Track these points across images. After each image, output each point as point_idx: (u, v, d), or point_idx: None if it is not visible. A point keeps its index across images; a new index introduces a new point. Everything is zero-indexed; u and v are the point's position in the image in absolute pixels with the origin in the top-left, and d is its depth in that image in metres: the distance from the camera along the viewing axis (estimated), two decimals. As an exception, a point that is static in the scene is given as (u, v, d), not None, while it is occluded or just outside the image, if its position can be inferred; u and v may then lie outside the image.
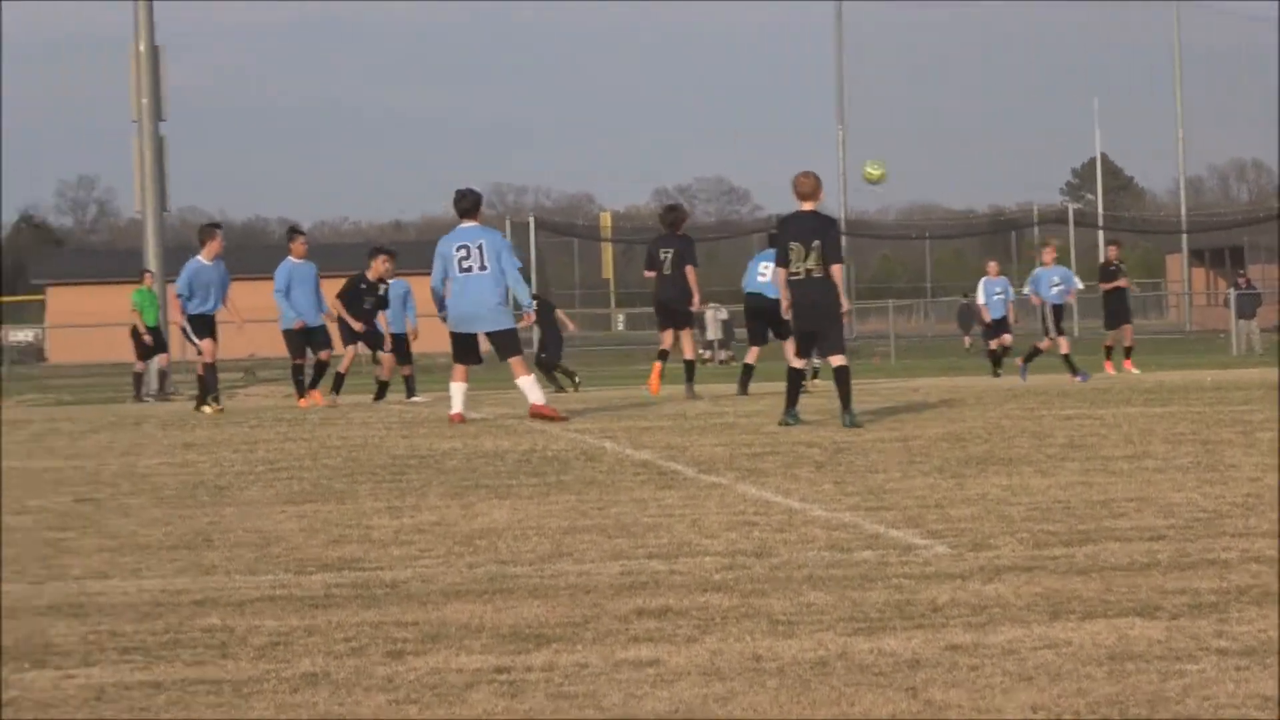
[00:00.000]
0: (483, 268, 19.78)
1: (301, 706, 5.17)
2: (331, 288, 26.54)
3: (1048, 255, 32.73)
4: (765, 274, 23.20)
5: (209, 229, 25.24)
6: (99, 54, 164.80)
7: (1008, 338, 34.06)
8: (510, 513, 10.70)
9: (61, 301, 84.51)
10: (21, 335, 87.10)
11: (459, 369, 20.31)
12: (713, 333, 54.88)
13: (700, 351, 36.60)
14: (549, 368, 31.40)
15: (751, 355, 25.78)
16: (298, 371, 25.85)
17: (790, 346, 19.57)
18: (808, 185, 17.64)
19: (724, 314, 55.85)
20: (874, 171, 20.94)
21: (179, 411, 25.59)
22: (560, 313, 34.94)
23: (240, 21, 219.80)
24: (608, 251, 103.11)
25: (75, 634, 6.60)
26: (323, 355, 25.76)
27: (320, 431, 18.89)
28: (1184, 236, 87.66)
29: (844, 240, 30.03)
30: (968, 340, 60.30)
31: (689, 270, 24.00)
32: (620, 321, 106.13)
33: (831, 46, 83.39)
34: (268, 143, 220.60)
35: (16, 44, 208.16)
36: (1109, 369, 32.50)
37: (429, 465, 14.41)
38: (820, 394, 22.49)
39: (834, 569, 7.83)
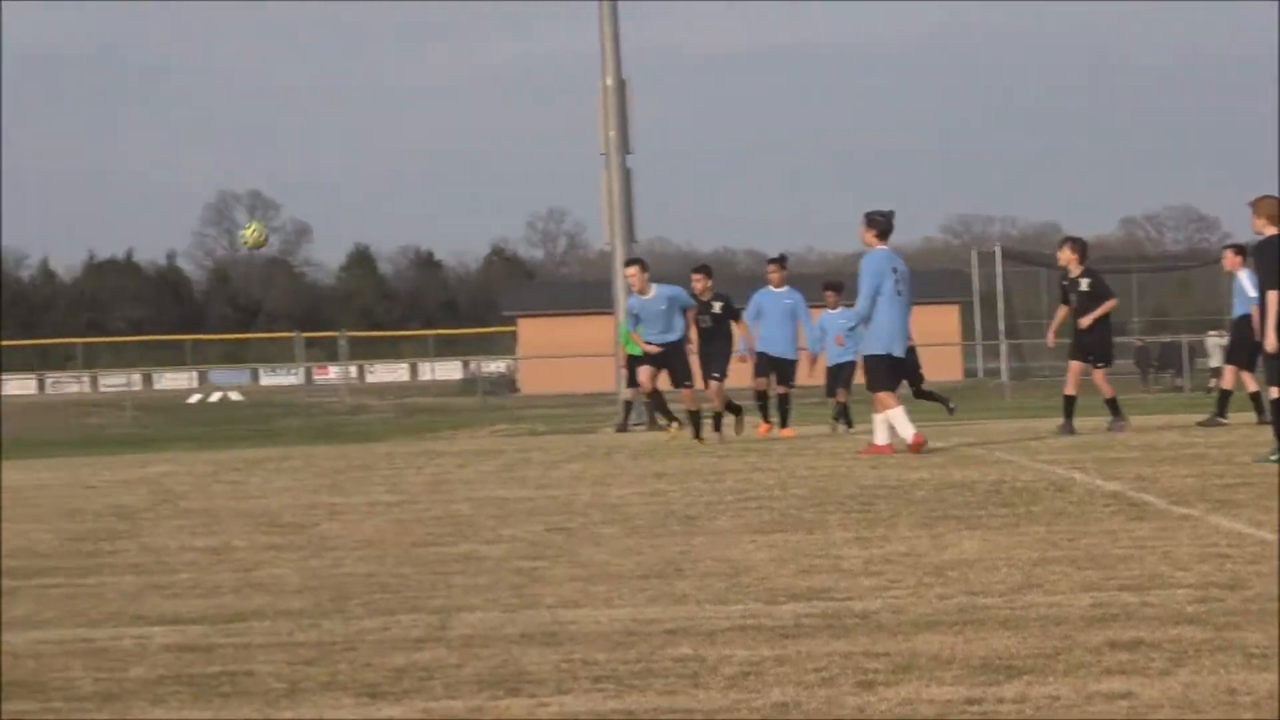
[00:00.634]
0: (908, 293, 20.06)
1: (773, 737, 5.23)
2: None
3: None
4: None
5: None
6: (568, 87, 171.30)
7: None
8: (980, 544, 10.74)
9: (532, 332, 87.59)
10: (494, 366, 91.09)
11: (890, 395, 20.16)
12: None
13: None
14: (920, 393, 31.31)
15: (1228, 380, 24.77)
16: (761, 398, 26.08)
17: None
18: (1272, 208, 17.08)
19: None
20: (252, 235, 20.44)
21: (649, 441, 26.20)
22: None
23: (703, 54, 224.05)
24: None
25: (548, 662, 6.82)
26: (780, 389, 26.03)
27: (788, 461, 19.10)
28: None
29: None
30: None
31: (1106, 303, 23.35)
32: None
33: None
34: (734, 174, 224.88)
35: (489, 76, 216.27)
36: None
37: (898, 495, 14.49)
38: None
39: (1309, 602, 7.73)
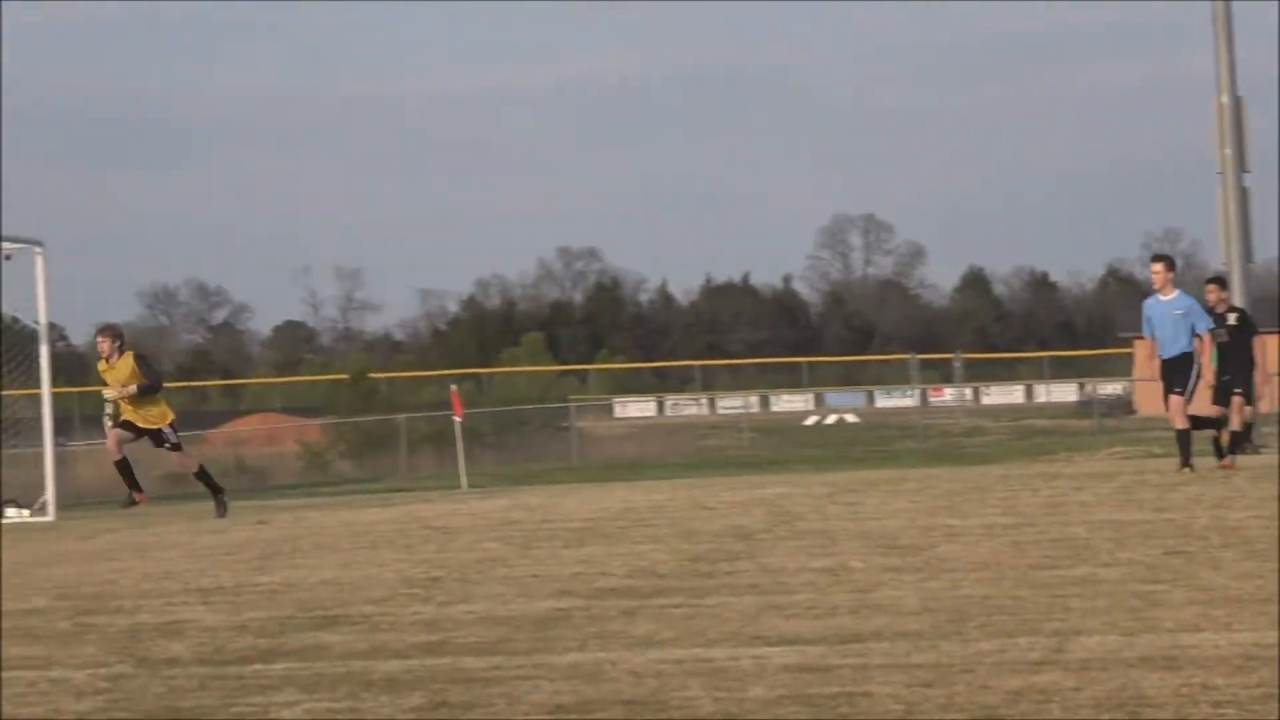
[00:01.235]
0: None
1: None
2: None
3: None
4: None
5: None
6: (1185, 105, 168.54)
7: None
8: None
9: (1148, 353, 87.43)
10: (1110, 388, 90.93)
11: None
12: None
13: None
14: None
15: None
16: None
17: None
18: None
19: None
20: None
21: (1267, 464, 25.70)
22: None
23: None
24: None
25: (1168, 686, 6.85)
26: None
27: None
28: None
29: None
30: None
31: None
32: None
33: None
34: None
35: (1105, 97, 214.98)
36: None
37: None
38: None
39: None
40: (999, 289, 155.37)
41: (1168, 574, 11.13)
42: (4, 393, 29.86)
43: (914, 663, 8.18)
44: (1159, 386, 24.43)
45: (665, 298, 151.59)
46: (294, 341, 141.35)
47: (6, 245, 28.40)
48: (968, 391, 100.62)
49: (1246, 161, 38.35)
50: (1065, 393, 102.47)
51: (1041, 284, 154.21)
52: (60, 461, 32.15)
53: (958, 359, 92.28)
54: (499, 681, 8.05)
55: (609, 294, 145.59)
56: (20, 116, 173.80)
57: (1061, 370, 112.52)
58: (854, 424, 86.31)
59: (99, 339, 25.09)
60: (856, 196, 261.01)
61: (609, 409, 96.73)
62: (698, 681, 7.90)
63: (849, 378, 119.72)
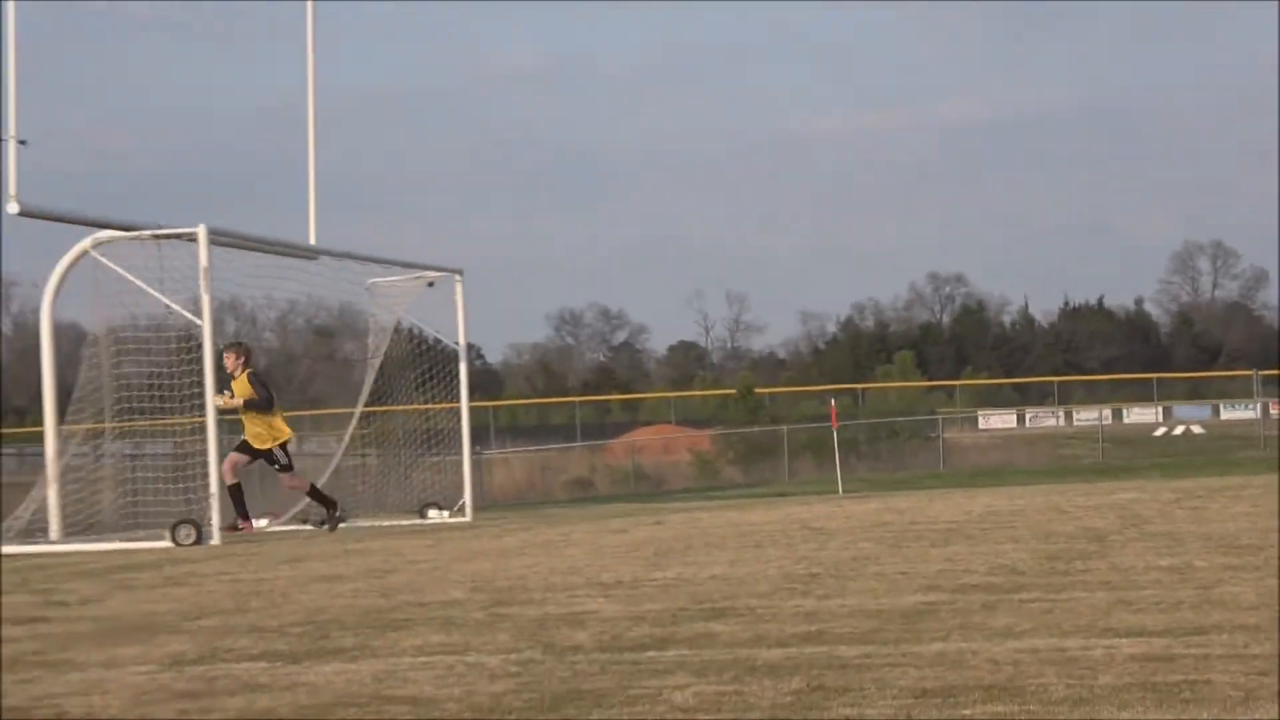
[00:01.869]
0: None
1: None
2: None
3: None
4: None
5: None
6: None
7: None
8: None
9: None
10: None
11: None
12: None
13: None
14: None
15: None
16: None
17: None
18: None
19: None
20: None
21: None
22: None
23: None
24: None
25: None
26: None
27: None
28: None
29: None
30: None
31: None
32: None
33: None
34: None
35: None
36: None
37: None
38: None
39: None
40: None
41: None
42: (427, 406, 30.21)
43: (1252, 653, 8.11)
44: None
45: (1026, 319, 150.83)
46: (687, 360, 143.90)
47: (431, 274, 29.09)
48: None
49: None
50: None
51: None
52: (476, 468, 32.85)
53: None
54: (870, 668, 8.09)
55: (974, 316, 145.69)
56: (462, 164, 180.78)
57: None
58: (1199, 435, 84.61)
59: (225, 354, 22.70)
60: (1205, 224, 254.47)
61: (974, 421, 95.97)
62: (1052, 669, 7.92)
63: (1195, 392, 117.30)
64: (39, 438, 24.50)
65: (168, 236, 22.33)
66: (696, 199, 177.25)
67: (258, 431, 22.70)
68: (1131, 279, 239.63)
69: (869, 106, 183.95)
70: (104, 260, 22.30)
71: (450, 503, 28.47)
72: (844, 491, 36.35)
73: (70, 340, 25.97)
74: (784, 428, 57.37)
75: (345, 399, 29.83)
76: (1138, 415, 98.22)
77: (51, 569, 19.04)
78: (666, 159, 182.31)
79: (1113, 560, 13.88)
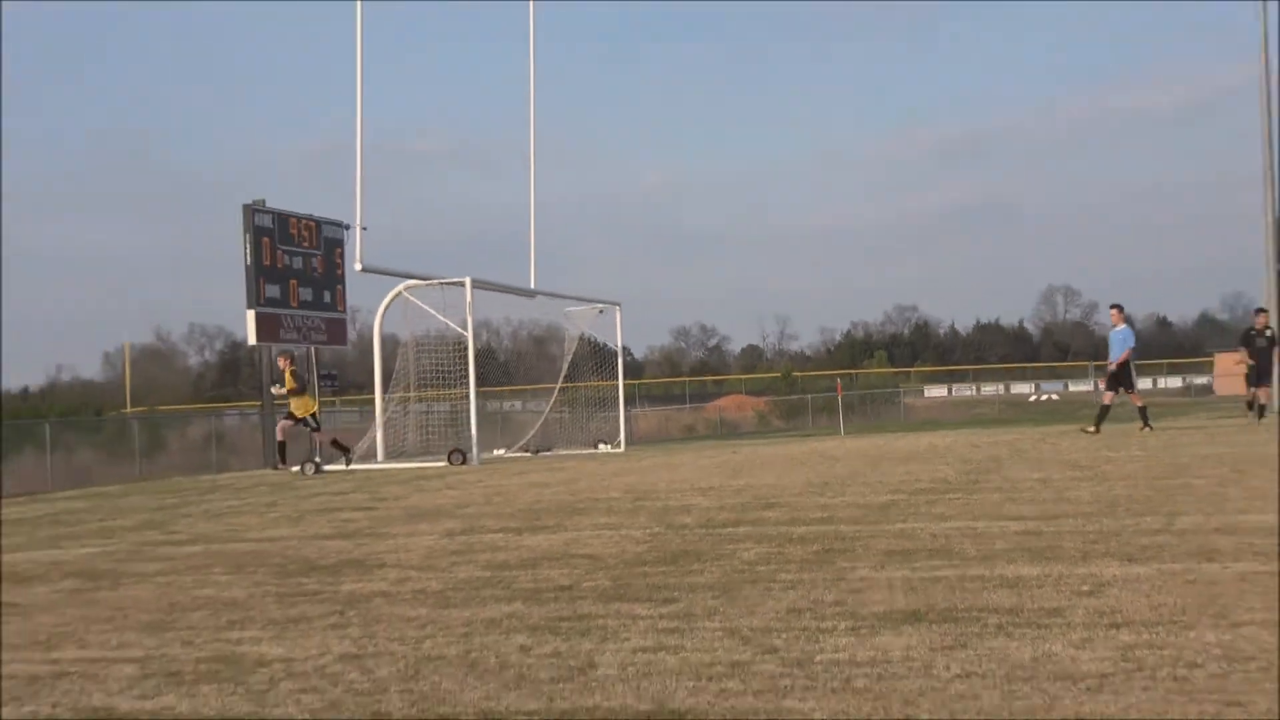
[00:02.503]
0: None
1: None
2: None
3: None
4: None
5: None
6: None
7: None
8: None
9: None
10: None
11: None
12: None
13: None
14: None
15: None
16: None
17: None
18: None
19: None
20: None
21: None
22: None
23: None
24: None
25: None
26: None
27: None
28: None
29: None
30: None
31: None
32: None
33: None
34: None
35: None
36: None
37: None
38: None
39: None
40: None
41: None
42: (598, 383, 36.04)
43: (1088, 529, 9.15)
44: None
45: (954, 331, 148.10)
46: (752, 356, 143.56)
47: (601, 304, 35.39)
48: None
49: None
50: None
51: None
52: (627, 420, 36.87)
53: None
54: (859, 539, 9.53)
55: (923, 330, 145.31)
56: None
57: None
58: (1056, 400, 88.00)
59: (278, 358, 26.25)
60: (1061, 273, 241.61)
61: (921, 392, 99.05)
62: (968, 540, 9.11)
63: (1054, 375, 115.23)
64: (371, 401, 29.00)
65: (447, 283, 27.49)
66: (764, 262, 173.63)
67: (297, 407, 25.97)
68: (1016, 307, 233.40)
69: (856, 202, 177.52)
70: (410, 297, 27.73)
71: (612, 440, 34.33)
72: (845, 434, 41.00)
73: (390, 344, 30.42)
74: (809, 396, 69.70)
75: (550, 379, 36.69)
76: (1018, 389, 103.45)
77: (377, 478, 22.38)
78: (741, 235, 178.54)
79: (1005, 475, 15.45)
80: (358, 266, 25.54)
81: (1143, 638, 6.22)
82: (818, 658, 6.18)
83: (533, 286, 31.60)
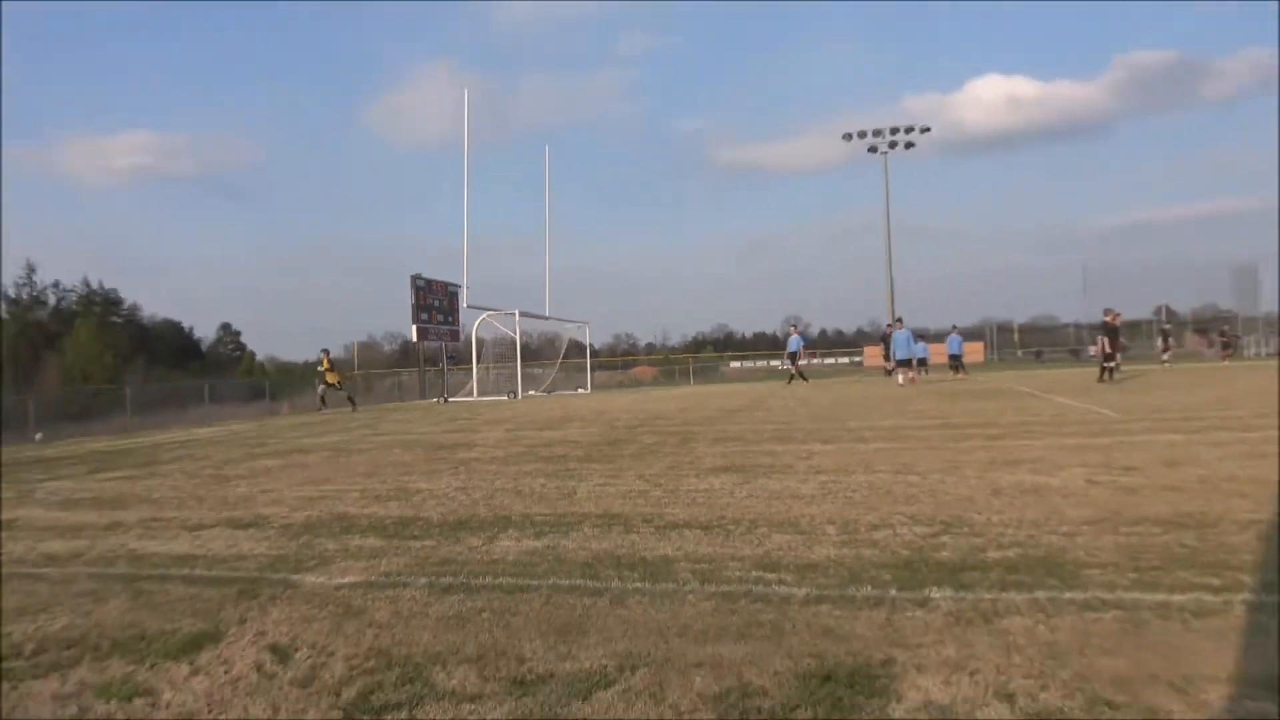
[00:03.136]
0: None
1: None
2: None
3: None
4: None
5: None
6: None
7: None
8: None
9: None
10: None
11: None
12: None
13: None
14: None
15: None
16: None
17: None
18: None
19: None
20: None
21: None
22: None
23: None
24: None
25: None
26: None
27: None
28: None
29: None
30: None
31: None
32: None
33: None
34: None
35: None
36: None
37: None
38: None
39: None
40: None
41: None
42: (575, 360, 36.01)
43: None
44: None
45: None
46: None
47: (579, 322, 36.28)
48: None
49: None
50: None
51: None
52: (592, 377, 36.47)
53: None
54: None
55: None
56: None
57: None
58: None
59: (321, 353, 22.56)
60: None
61: None
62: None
63: None
64: (469, 369, 28.63)
65: (506, 312, 28.88)
66: (665, 299, 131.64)
67: (331, 380, 22.25)
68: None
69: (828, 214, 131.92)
70: (490, 320, 29.10)
71: (585, 387, 34.53)
72: (694, 385, 43.24)
73: (480, 342, 30.60)
74: (676, 367, 63.50)
75: (554, 357, 37.38)
76: (774, 363, 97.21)
77: (474, 405, 22.29)
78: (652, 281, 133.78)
79: (765, 405, 15.09)
80: (464, 305, 27.10)
81: (832, 478, 6.40)
82: (681, 488, 6.29)
83: (547, 314, 32.54)
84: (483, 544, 4.95)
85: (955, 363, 26.27)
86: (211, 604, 4.07)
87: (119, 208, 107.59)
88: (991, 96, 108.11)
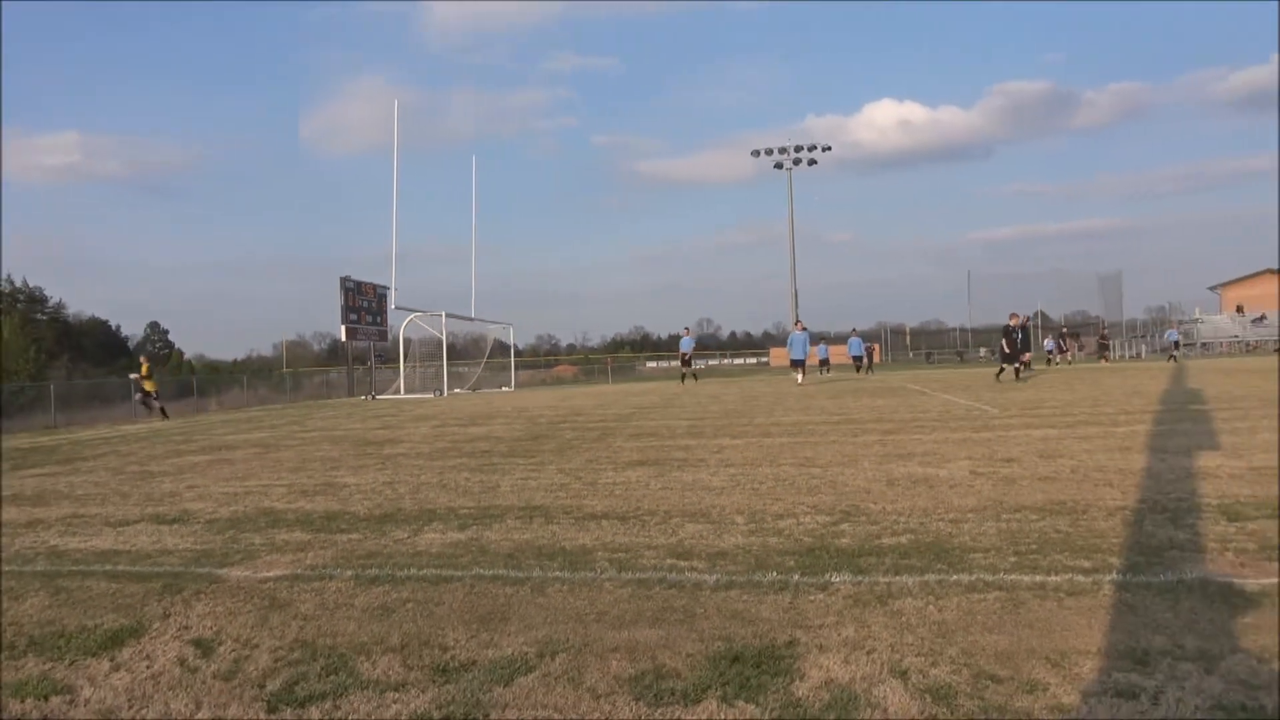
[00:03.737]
0: None
1: None
2: None
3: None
4: None
5: None
6: None
7: None
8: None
9: None
10: None
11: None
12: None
13: None
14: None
15: None
16: None
17: None
18: None
19: None
20: None
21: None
22: None
23: None
24: None
25: None
26: None
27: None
28: None
29: None
30: None
31: None
32: None
33: None
34: None
35: None
36: None
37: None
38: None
39: None
40: None
41: None
42: (499, 360, 36.20)
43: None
44: None
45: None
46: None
47: (503, 324, 40.28)
48: None
49: None
50: None
51: None
52: (515, 376, 36.08)
53: None
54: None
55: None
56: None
57: None
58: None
59: (142, 360, 19.48)
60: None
61: None
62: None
63: None
64: (397, 369, 27.99)
65: (432, 313, 28.00)
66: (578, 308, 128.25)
67: (148, 388, 19.22)
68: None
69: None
70: (417, 320, 28.14)
71: (508, 385, 34.10)
72: (612, 384, 42.41)
73: (408, 343, 29.68)
74: (595, 366, 62.01)
75: (479, 357, 36.53)
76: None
77: (398, 403, 21.73)
78: (577, 295, 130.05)
79: (678, 403, 14.99)
80: (393, 306, 26.17)
81: (740, 471, 6.41)
82: (599, 481, 6.24)
83: (473, 315, 31.93)
84: (408, 536, 4.88)
85: (859, 362, 27.13)
86: (134, 599, 3.91)
87: (47, 207, 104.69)
88: (885, 119, 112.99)
